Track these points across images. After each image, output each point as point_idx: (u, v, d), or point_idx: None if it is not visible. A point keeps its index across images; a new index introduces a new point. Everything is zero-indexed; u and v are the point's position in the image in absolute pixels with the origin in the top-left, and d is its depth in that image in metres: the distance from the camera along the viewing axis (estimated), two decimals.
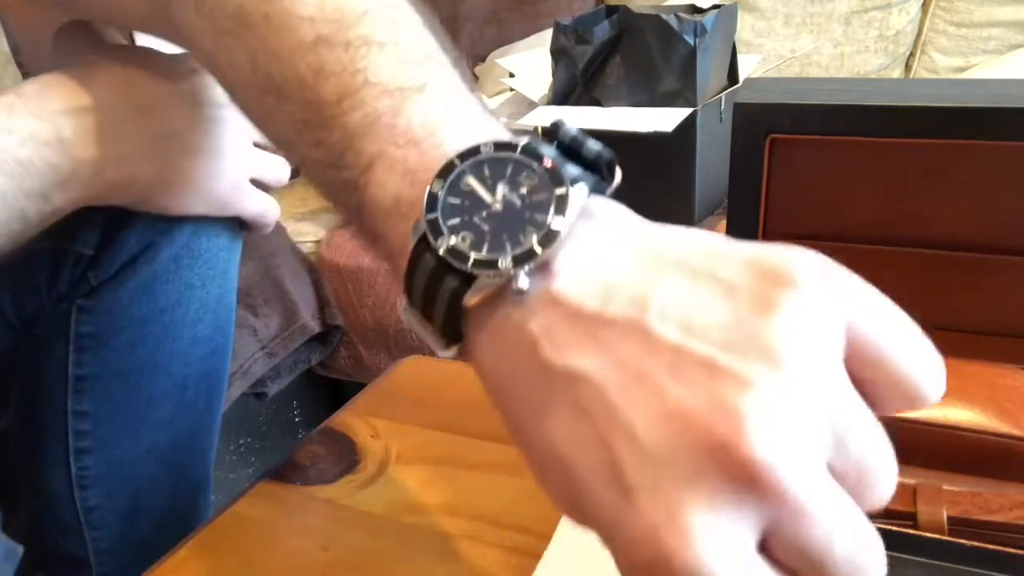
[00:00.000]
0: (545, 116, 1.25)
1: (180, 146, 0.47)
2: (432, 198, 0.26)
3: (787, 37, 1.86)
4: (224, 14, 0.34)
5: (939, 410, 0.43)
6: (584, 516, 0.23)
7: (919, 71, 1.86)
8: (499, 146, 0.26)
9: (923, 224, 0.49)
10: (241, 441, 1.50)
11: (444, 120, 0.29)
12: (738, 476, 0.20)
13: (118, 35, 0.51)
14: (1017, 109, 0.41)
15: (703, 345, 0.22)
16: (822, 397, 0.21)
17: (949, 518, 0.40)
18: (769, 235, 0.51)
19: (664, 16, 1.23)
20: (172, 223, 0.52)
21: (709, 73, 1.26)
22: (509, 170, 0.26)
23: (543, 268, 0.24)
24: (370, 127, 0.29)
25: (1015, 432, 0.41)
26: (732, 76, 1.36)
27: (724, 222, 0.51)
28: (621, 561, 0.22)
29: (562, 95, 1.31)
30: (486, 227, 0.25)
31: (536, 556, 0.45)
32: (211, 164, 0.49)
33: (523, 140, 0.26)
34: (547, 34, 1.37)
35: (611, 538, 0.22)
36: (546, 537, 0.46)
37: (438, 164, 0.26)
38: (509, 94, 1.52)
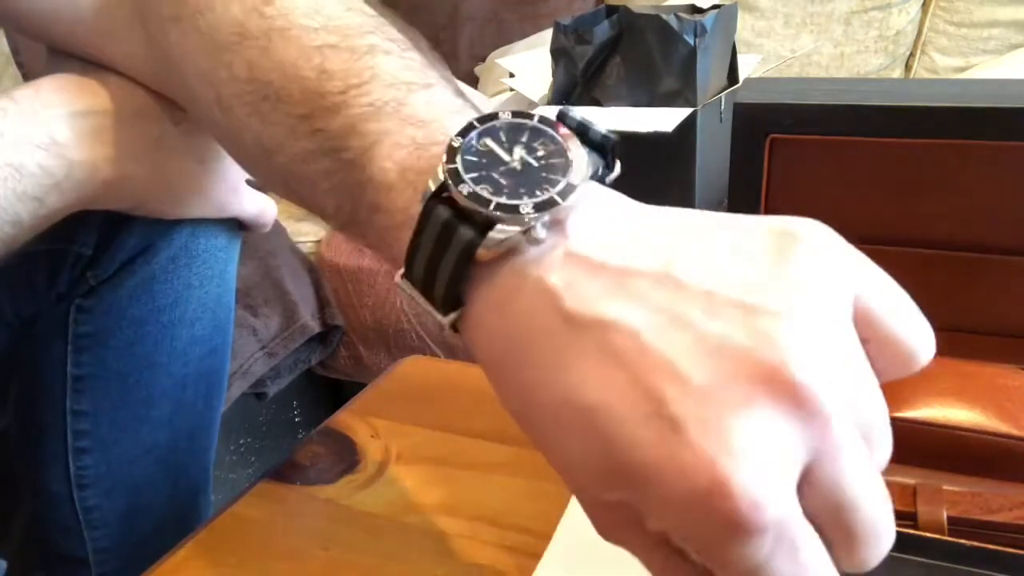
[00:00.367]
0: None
1: (175, 150, 0.47)
2: (452, 150, 0.26)
3: (787, 37, 1.86)
4: (224, 31, 0.35)
5: (939, 410, 0.43)
6: (617, 467, 0.22)
7: (919, 71, 1.86)
8: (516, 114, 0.27)
9: (923, 224, 0.49)
10: (241, 441, 1.50)
11: (450, 109, 0.30)
12: (786, 399, 0.21)
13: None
14: (1017, 109, 0.41)
15: (732, 288, 0.22)
16: (844, 346, 0.22)
17: (949, 518, 0.40)
18: None
19: (664, 16, 1.23)
20: (170, 224, 0.52)
21: (709, 73, 1.26)
22: (525, 135, 0.26)
23: (558, 225, 0.25)
24: (376, 111, 0.30)
25: (1015, 432, 0.41)
26: (732, 76, 1.36)
27: None
28: (669, 497, 0.21)
29: (562, 95, 1.31)
30: (504, 181, 0.25)
31: (536, 556, 0.45)
32: (207, 167, 0.49)
33: (538, 113, 0.27)
34: (547, 34, 1.37)
35: (654, 477, 0.21)
36: (546, 537, 0.46)
37: (448, 139, 0.26)
38: (509, 94, 1.52)
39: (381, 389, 0.65)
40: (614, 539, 0.25)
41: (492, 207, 0.24)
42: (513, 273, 0.25)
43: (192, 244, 0.54)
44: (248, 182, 0.53)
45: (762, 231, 0.24)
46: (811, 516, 0.22)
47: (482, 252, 0.24)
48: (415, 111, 0.29)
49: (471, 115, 0.29)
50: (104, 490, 0.58)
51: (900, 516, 0.40)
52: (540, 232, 0.24)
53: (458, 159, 0.25)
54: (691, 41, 1.22)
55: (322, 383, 1.64)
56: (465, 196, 0.25)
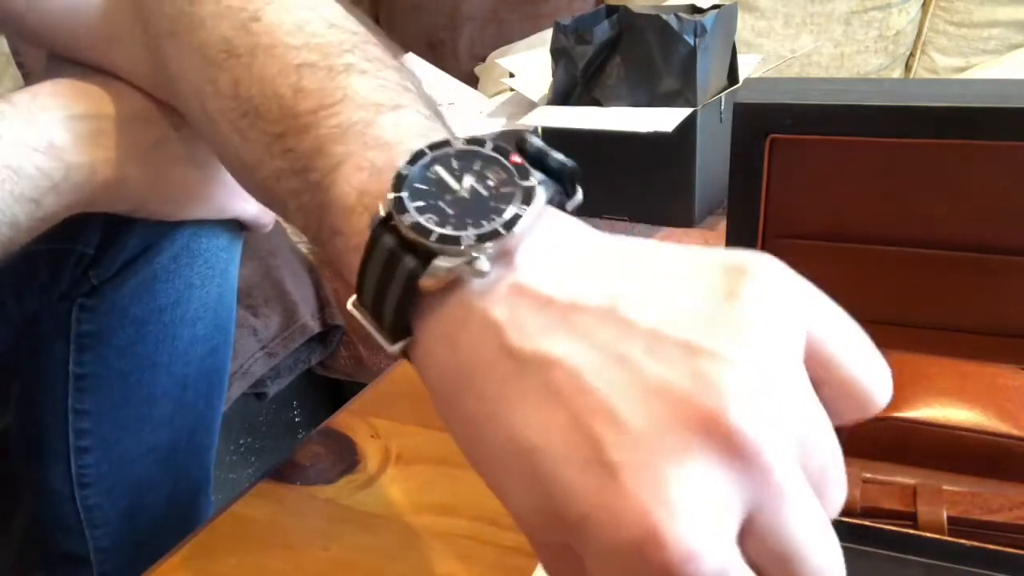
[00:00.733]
0: (545, 116, 1.25)
1: (173, 154, 0.47)
2: (399, 179, 0.25)
3: (787, 37, 1.86)
4: (213, 47, 0.35)
5: (939, 410, 0.43)
6: (554, 512, 0.22)
7: (919, 71, 1.86)
8: (469, 141, 0.26)
9: (923, 224, 0.49)
10: (241, 441, 1.50)
11: (416, 132, 0.29)
12: (724, 447, 0.20)
13: None
14: (1017, 109, 0.41)
15: (678, 328, 0.22)
16: (791, 388, 0.22)
17: (949, 518, 0.40)
18: (769, 235, 0.51)
19: (664, 16, 1.23)
20: (172, 223, 0.52)
21: (709, 73, 1.26)
22: (478, 164, 0.26)
23: (506, 257, 0.24)
24: (343, 133, 0.29)
25: (1015, 432, 0.41)
26: (732, 76, 1.36)
27: (724, 222, 0.51)
28: (604, 546, 0.21)
29: (562, 95, 1.31)
30: (451, 211, 0.25)
31: (536, 556, 0.45)
32: (205, 171, 0.49)
33: (493, 141, 0.26)
34: (547, 34, 1.37)
35: (591, 525, 0.21)
36: None
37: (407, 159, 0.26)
38: (509, 94, 1.52)
39: (381, 389, 0.65)
40: None
41: (434, 238, 0.24)
42: (459, 304, 0.24)
43: (194, 244, 0.54)
44: None
45: (713, 266, 0.23)
46: (757, 567, 0.21)
47: (425, 282, 0.24)
48: (381, 133, 0.29)
49: (436, 137, 0.28)
50: (105, 489, 0.58)
51: (900, 516, 0.40)
52: (483, 264, 0.24)
53: (404, 188, 0.25)
54: (691, 41, 1.22)
55: (322, 383, 1.64)
56: (408, 226, 0.24)
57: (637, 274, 0.24)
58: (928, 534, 0.39)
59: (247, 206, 0.54)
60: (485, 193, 0.25)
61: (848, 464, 0.23)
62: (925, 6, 1.83)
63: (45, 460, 0.57)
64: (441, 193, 0.25)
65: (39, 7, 0.45)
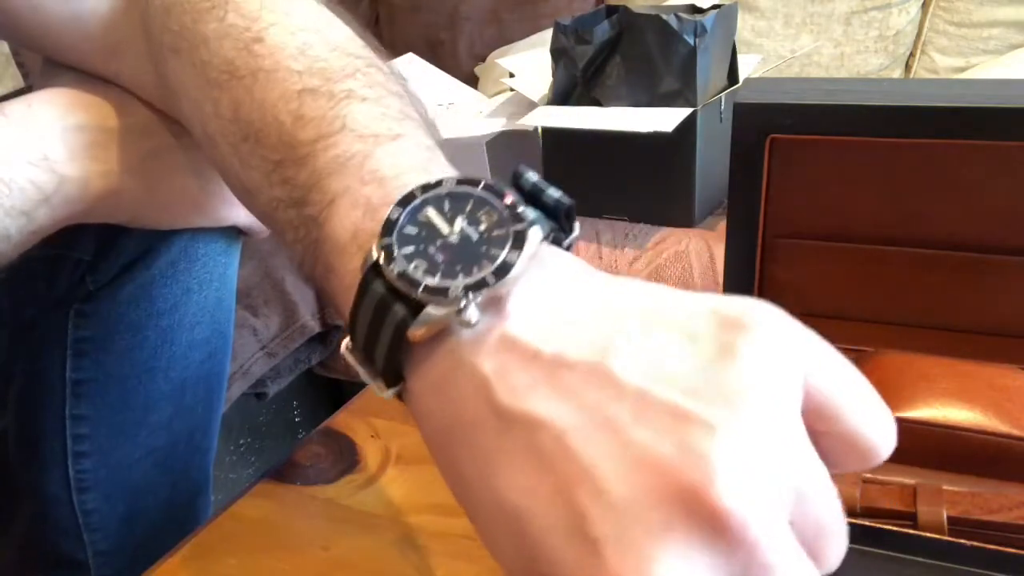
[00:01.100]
0: (545, 116, 1.25)
1: (171, 163, 0.47)
2: (389, 224, 0.25)
3: (787, 37, 1.86)
4: (215, 68, 0.35)
5: (939, 410, 0.43)
6: (540, 575, 0.22)
7: (919, 71, 1.86)
8: (462, 182, 0.26)
9: (923, 224, 0.49)
10: (241, 441, 1.50)
11: (413, 165, 0.29)
12: (708, 525, 0.20)
13: None
14: (1017, 109, 0.41)
15: (667, 390, 0.21)
16: (785, 448, 0.21)
17: (949, 518, 0.40)
18: (769, 235, 0.51)
19: (664, 16, 1.23)
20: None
21: (709, 73, 1.26)
22: (469, 205, 0.25)
23: (496, 306, 0.23)
24: (340, 167, 0.29)
25: (1015, 432, 0.41)
26: (732, 76, 1.36)
27: (724, 222, 0.51)
28: None
29: (562, 95, 1.31)
30: (440, 257, 0.24)
31: None
32: (200, 181, 0.49)
33: (486, 180, 0.26)
34: (547, 34, 1.36)
35: None
36: None
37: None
38: (509, 94, 1.52)
39: None
40: None
41: (421, 290, 0.24)
42: (448, 354, 0.24)
43: (191, 248, 0.54)
44: None
45: (709, 315, 0.23)
46: None
47: (414, 332, 0.24)
48: (379, 166, 0.28)
49: (434, 170, 0.28)
50: (103, 494, 0.58)
51: (900, 516, 0.40)
52: (472, 314, 0.23)
53: (394, 234, 0.25)
54: (691, 41, 1.21)
55: (322, 383, 1.64)
56: (396, 276, 0.24)
57: (628, 324, 0.23)
58: (928, 534, 0.39)
59: (243, 213, 0.53)
60: (476, 237, 0.25)
61: None
62: (925, 6, 1.83)
63: (43, 465, 0.57)
64: (432, 238, 0.25)
65: (41, 15, 0.45)
